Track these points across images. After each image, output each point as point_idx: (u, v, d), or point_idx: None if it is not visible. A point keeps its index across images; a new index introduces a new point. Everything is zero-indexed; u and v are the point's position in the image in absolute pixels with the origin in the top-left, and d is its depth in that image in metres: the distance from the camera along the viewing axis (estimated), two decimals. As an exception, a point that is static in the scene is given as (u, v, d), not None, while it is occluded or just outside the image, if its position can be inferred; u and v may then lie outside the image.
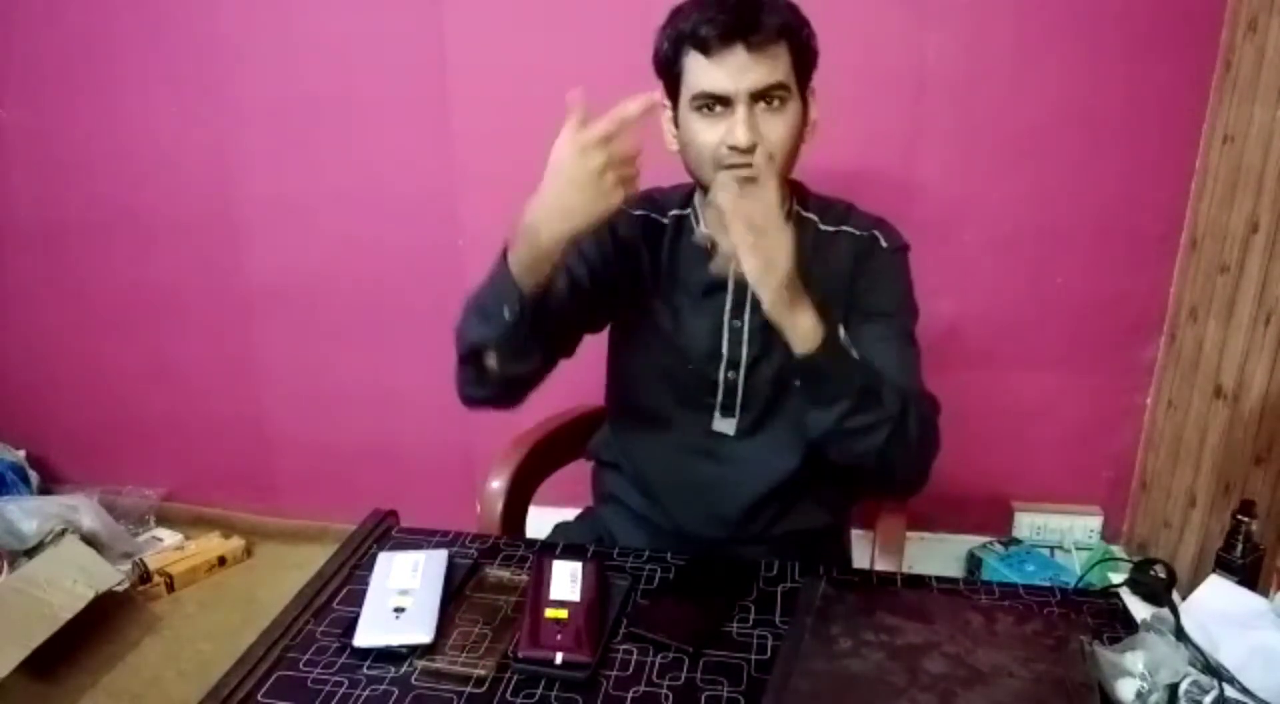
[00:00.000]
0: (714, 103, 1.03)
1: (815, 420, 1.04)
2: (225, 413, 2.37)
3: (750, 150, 1.02)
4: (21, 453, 2.46)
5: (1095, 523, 2.08)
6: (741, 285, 1.14)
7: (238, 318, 2.26)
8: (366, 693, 0.88)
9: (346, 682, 0.89)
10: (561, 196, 0.96)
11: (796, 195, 1.20)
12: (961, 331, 1.97)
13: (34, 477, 2.43)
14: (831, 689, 0.85)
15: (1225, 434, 1.74)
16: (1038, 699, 0.83)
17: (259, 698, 0.87)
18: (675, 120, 1.11)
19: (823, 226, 1.19)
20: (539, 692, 0.88)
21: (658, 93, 0.98)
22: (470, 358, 1.07)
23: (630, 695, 0.88)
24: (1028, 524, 2.08)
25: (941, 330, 1.97)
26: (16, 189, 2.27)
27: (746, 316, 1.17)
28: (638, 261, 1.20)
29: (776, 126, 1.04)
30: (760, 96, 1.03)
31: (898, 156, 1.87)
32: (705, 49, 1.02)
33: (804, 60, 1.07)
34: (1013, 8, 1.76)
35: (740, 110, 1.02)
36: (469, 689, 0.88)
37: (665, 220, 1.21)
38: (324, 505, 2.33)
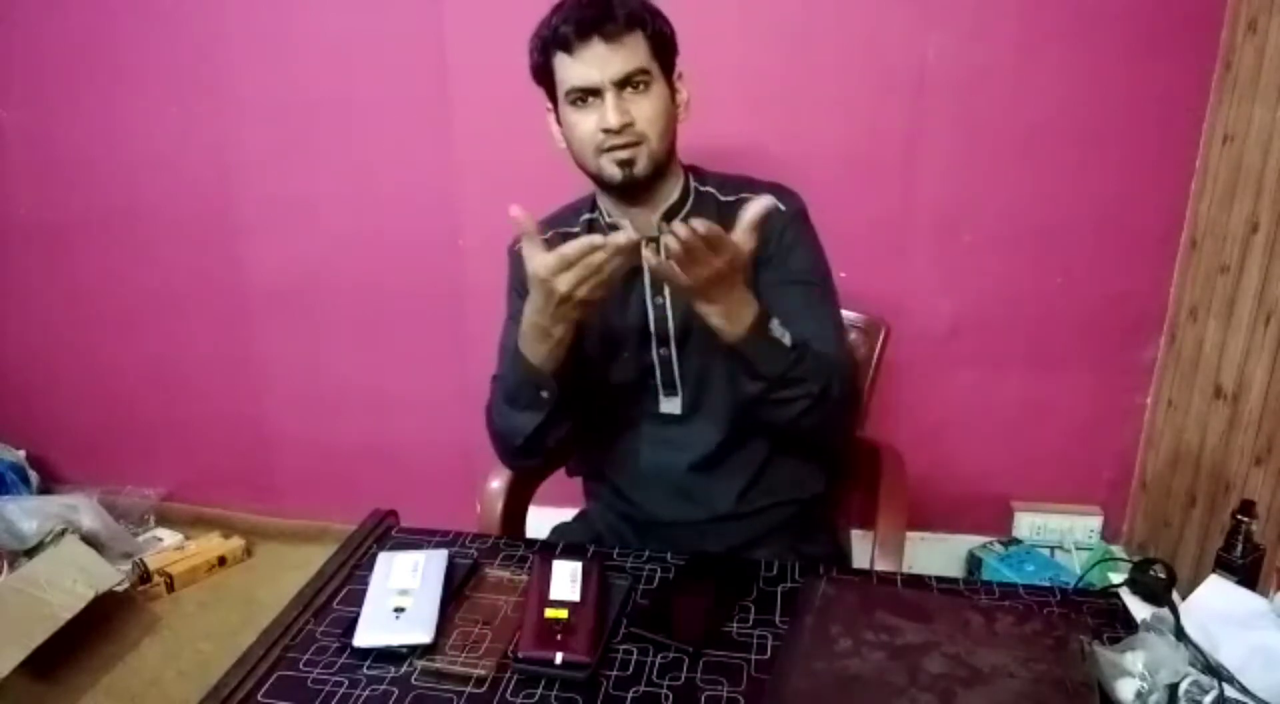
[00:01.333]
0: (585, 95, 1.11)
1: (742, 388, 1.10)
2: (225, 413, 2.37)
3: (622, 130, 1.10)
4: (21, 453, 2.46)
5: (1095, 523, 2.07)
6: None
7: (238, 318, 2.26)
8: (366, 693, 0.88)
9: (346, 682, 0.89)
10: (537, 309, 1.05)
11: (694, 174, 1.25)
12: (961, 331, 1.97)
13: (34, 477, 2.43)
14: (831, 689, 0.85)
15: (1225, 434, 1.74)
16: (1038, 699, 0.83)
17: (259, 698, 0.87)
18: (558, 120, 1.18)
19: (722, 197, 1.24)
20: (539, 692, 0.88)
21: (628, 235, 1.01)
22: (528, 447, 1.18)
23: (630, 695, 0.88)
24: (1028, 524, 2.08)
25: (942, 330, 1.97)
26: (16, 189, 2.27)
27: (667, 293, 1.21)
28: None
29: (645, 107, 1.12)
30: (625, 83, 1.10)
31: (898, 156, 1.87)
32: (567, 47, 1.10)
33: (662, 47, 1.14)
34: (1014, 7, 1.76)
35: (609, 97, 1.10)
36: (469, 689, 0.88)
37: (576, 229, 1.26)
38: (324, 505, 2.33)
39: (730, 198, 1.24)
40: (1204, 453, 1.81)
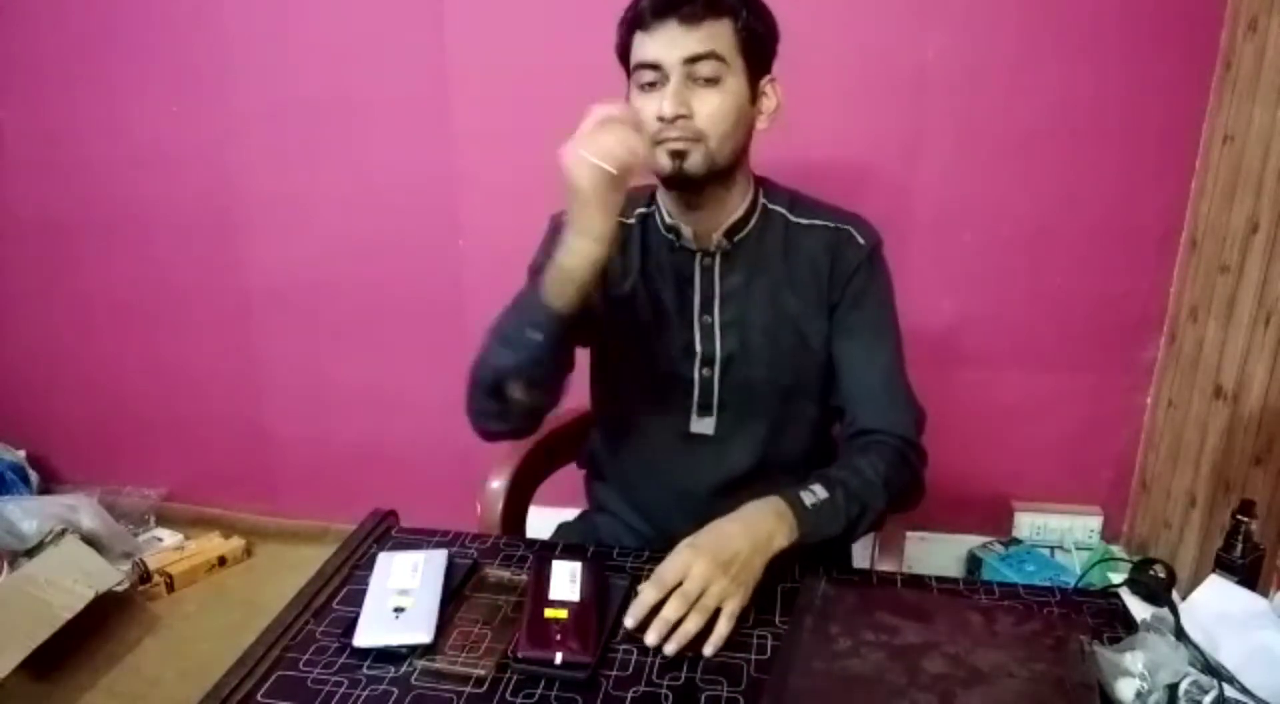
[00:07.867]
0: (652, 77, 1.05)
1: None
2: (225, 413, 2.37)
3: (675, 121, 1.03)
4: (21, 453, 2.46)
5: (1095, 523, 2.08)
6: (709, 281, 1.16)
7: (238, 318, 2.27)
8: (366, 693, 0.88)
9: (346, 682, 0.89)
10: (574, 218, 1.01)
11: (763, 189, 1.19)
12: (961, 331, 1.97)
13: (34, 477, 2.43)
14: (831, 689, 0.85)
15: (1225, 434, 1.74)
16: (1038, 699, 0.83)
17: (259, 698, 0.87)
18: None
19: (793, 218, 1.19)
20: (539, 692, 0.88)
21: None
22: (493, 390, 1.07)
23: (630, 695, 0.87)
24: (1028, 524, 2.08)
25: (941, 330, 1.97)
26: (16, 189, 2.27)
27: (716, 312, 1.17)
28: (610, 267, 1.20)
29: (708, 102, 1.04)
30: (694, 67, 1.04)
31: (898, 156, 1.87)
32: (644, 25, 1.05)
33: (752, 42, 1.07)
34: (1013, 7, 1.76)
35: (672, 81, 1.04)
36: (469, 689, 0.88)
37: (631, 220, 1.20)
38: (324, 505, 2.33)
39: (801, 220, 1.18)
40: (1204, 453, 1.81)
